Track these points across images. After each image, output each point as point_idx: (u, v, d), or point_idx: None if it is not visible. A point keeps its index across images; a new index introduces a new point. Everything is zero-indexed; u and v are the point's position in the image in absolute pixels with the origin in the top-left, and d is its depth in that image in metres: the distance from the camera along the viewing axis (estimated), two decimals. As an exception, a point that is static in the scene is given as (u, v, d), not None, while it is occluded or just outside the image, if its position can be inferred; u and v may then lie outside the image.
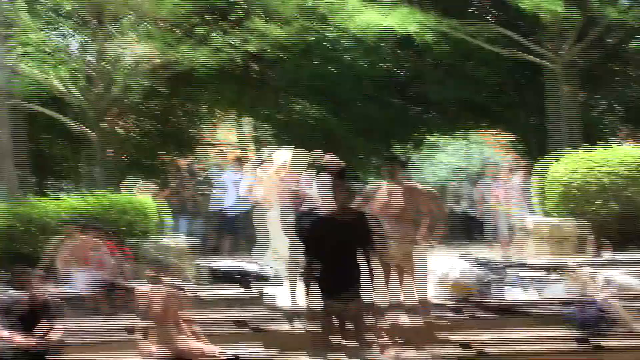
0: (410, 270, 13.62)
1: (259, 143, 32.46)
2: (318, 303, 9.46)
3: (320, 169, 10.40)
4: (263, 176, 19.01)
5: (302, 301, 9.46)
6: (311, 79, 29.52)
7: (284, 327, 14.54)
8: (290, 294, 9.42)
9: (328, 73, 29.39)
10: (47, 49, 24.45)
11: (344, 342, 9.51)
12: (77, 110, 24.38)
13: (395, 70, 30.35)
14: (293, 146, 20.31)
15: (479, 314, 14.97)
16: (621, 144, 24.26)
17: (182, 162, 28.10)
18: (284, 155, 19.55)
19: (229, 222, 23.97)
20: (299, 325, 9.70)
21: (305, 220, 9.80)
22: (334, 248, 9.31)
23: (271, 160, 19.02)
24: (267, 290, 16.32)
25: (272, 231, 16.76)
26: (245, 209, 22.95)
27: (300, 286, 9.54)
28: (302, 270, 9.65)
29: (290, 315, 13.10)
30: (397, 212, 13.62)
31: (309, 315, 9.46)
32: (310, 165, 15.12)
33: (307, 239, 9.54)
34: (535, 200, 19.84)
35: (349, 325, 9.43)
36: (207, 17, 24.45)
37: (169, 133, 31.29)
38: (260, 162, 19.02)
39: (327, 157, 18.52)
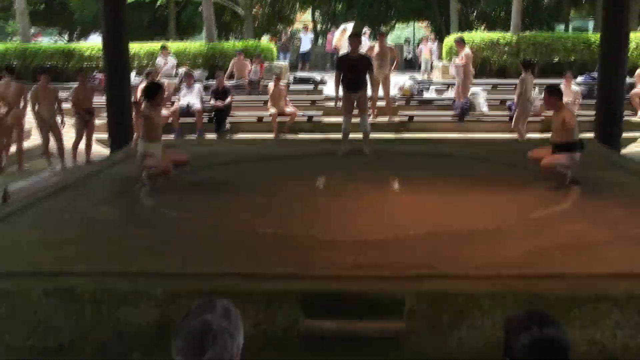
0: (386, 82, 13.65)
1: (325, 21, 31.79)
2: (342, 92, 9.32)
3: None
4: (337, 35, 18.89)
5: (338, 92, 9.35)
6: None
7: (330, 103, 14.66)
8: (335, 89, 9.32)
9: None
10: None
11: (355, 111, 9.49)
12: (238, 2, 23.86)
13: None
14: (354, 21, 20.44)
15: (414, 102, 14.98)
16: (482, 31, 23.73)
17: (287, 30, 27.66)
18: (349, 25, 19.48)
19: (303, 56, 23.86)
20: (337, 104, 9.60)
21: (341, 58, 9.71)
22: (350, 69, 9.14)
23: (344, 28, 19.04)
24: (322, 87, 16.39)
25: None
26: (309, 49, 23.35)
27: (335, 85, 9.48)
28: (335, 78, 9.57)
29: (332, 98, 13.10)
30: (381, 56, 13.54)
31: (340, 98, 9.45)
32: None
33: (337, 64, 9.49)
34: (443, 53, 19.47)
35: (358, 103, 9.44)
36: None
37: (279, 15, 30.59)
38: (341, 28, 18.92)
39: (364, 29, 17.97)
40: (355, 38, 9.47)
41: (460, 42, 14.39)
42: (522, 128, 12.43)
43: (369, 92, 9.63)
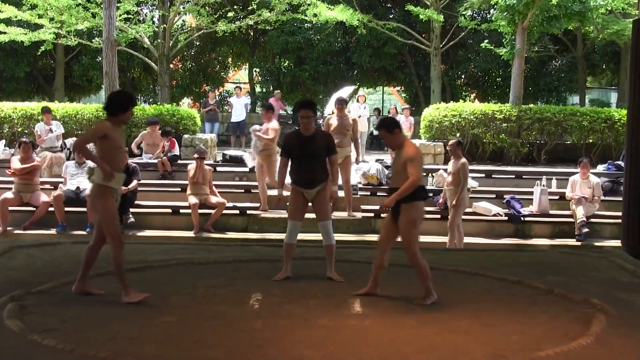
0: (346, 166, 13.76)
1: (262, 84, 32.25)
2: (291, 187, 8.76)
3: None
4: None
5: (282, 183, 9.02)
6: (291, 48, 29.23)
7: (268, 192, 14.75)
8: (278, 179, 9.00)
9: (299, 44, 29.10)
10: (138, 17, 24.30)
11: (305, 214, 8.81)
12: (151, 53, 24.08)
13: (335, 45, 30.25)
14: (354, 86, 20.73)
15: (382, 193, 15.13)
16: (472, 101, 24.46)
17: (215, 92, 27.98)
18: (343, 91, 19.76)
19: (236, 127, 24.19)
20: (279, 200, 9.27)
21: (289, 137, 9.30)
22: (301, 154, 8.59)
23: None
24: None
25: None
26: (244, 119, 23.78)
27: (278, 174, 9.09)
28: (279, 166, 8.83)
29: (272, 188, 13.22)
30: (340, 130, 13.71)
31: (283, 195, 9.10)
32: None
33: (283, 146, 9.05)
34: (421, 130, 19.88)
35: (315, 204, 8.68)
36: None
37: (208, 74, 30.97)
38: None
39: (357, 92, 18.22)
40: (306, 109, 8.74)
41: (268, 109, 14.88)
42: (460, 227, 12.84)
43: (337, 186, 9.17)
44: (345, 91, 20.22)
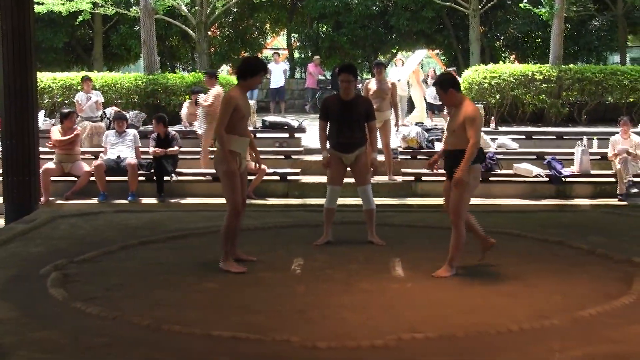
0: (385, 130, 13.71)
1: (300, 49, 32.12)
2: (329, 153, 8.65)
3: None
4: (412, 65, 18.96)
5: (325, 148, 8.91)
6: (329, 12, 29.06)
7: (310, 157, 14.75)
8: (320, 145, 8.93)
9: (337, 8, 28.91)
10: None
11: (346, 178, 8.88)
12: (189, 21, 24.10)
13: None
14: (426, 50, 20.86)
15: (422, 157, 15.06)
16: (511, 63, 24.19)
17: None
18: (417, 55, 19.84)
19: (275, 93, 24.30)
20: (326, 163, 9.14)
21: (327, 100, 9.26)
22: (340, 118, 8.50)
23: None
24: (300, 135, 16.48)
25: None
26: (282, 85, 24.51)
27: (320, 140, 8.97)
28: (319, 131, 8.69)
29: (316, 151, 13.18)
30: (379, 94, 13.64)
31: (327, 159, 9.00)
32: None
33: (322, 110, 8.71)
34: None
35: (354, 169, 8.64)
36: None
37: (246, 40, 30.94)
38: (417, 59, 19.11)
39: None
40: (346, 73, 8.63)
41: (211, 76, 15.24)
42: None
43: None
44: (419, 54, 20.03)
